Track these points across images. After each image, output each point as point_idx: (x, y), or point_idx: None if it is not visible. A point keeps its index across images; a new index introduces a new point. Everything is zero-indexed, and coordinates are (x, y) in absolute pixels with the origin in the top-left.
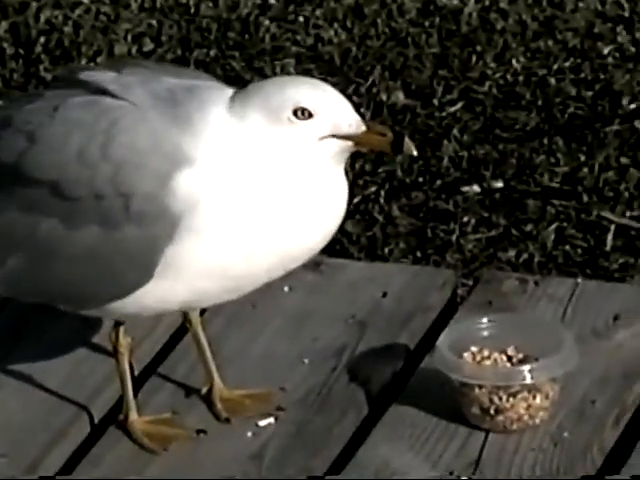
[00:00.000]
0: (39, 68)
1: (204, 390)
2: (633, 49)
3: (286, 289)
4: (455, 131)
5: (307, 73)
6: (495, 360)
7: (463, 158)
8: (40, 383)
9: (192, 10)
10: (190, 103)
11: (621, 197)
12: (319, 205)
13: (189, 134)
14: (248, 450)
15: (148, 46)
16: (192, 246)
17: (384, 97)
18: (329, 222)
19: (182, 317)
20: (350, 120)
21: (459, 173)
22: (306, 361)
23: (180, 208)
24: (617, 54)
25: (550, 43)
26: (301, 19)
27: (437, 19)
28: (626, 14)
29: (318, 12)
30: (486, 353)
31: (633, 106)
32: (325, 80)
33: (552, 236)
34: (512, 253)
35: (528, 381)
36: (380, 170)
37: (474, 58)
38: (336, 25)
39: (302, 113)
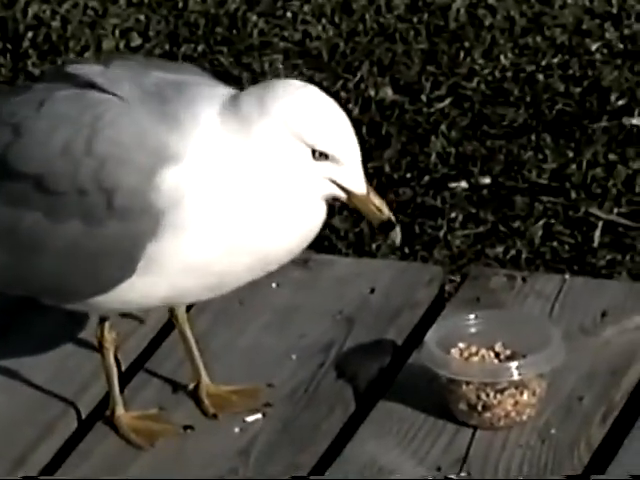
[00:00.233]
0: (27, 63)
1: (191, 386)
2: (621, 46)
3: (274, 285)
4: (443, 127)
5: (295, 68)
6: (483, 356)
7: (451, 154)
8: (27, 378)
9: (180, 5)
10: (179, 100)
11: (609, 194)
12: (300, 209)
13: (177, 131)
14: (235, 446)
15: (136, 41)
16: (175, 242)
17: (372, 93)
18: (309, 226)
19: (169, 313)
20: (357, 178)
21: (447, 169)
22: (294, 357)
23: (164, 204)
24: (605, 50)
25: (538, 39)
26: (289, 14)
27: (425, 15)
28: (614, 10)
29: (306, 7)
30: (474, 349)
31: (621, 103)
32: (313, 76)
33: (540, 232)
34: (500, 249)
35: (515, 378)
36: (368, 166)
37: (462, 54)
38: (324, 21)
39: (319, 155)
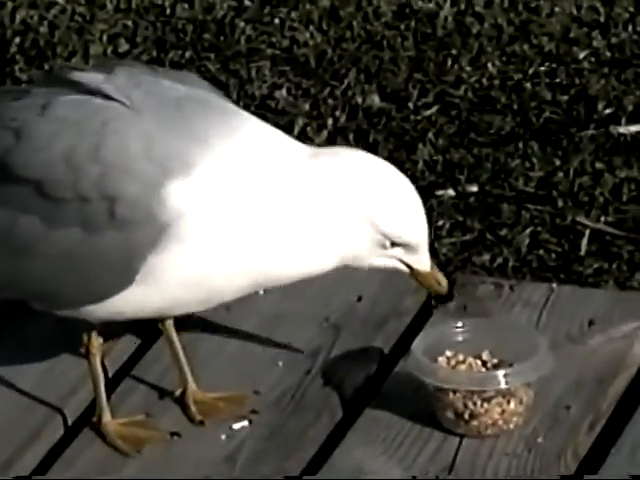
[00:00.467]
0: (14, 68)
1: (178, 392)
2: (609, 54)
3: (261, 292)
4: (430, 135)
5: (282, 75)
6: (470, 365)
7: (438, 162)
8: (14, 384)
9: (168, 11)
10: (206, 116)
11: (596, 202)
12: (307, 248)
13: (196, 145)
14: (222, 453)
15: (123, 47)
16: (174, 256)
17: (359, 100)
18: (315, 268)
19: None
20: (424, 259)
21: (434, 177)
22: (280, 364)
23: (167, 217)
24: (593, 59)
25: (526, 47)
26: (277, 21)
27: (413, 22)
28: (602, 19)
29: (294, 14)
30: (461, 358)
31: (608, 111)
32: (300, 83)
33: (527, 240)
34: (487, 257)
35: (502, 386)
36: None
37: (449, 62)
38: (312, 27)
39: (391, 244)
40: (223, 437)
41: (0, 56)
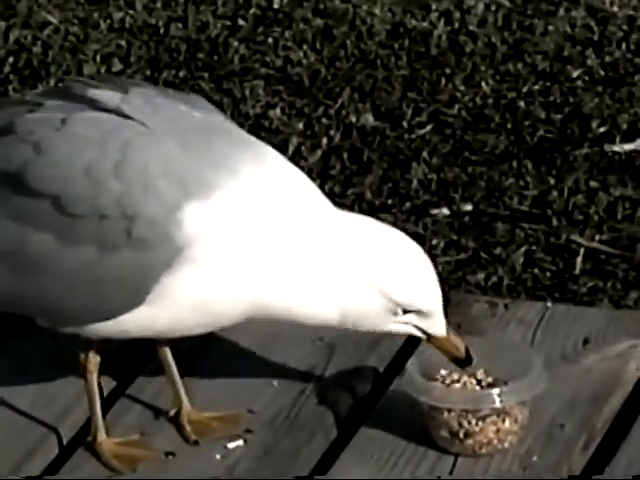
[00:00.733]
0: (8, 88)
1: (172, 412)
2: (602, 72)
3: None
4: (424, 154)
5: (276, 94)
6: (464, 383)
7: (432, 181)
8: (8, 404)
9: (161, 31)
10: (230, 143)
11: (590, 221)
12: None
13: (223, 171)
14: (217, 472)
15: (117, 66)
16: (186, 278)
17: (353, 119)
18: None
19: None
20: (439, 326)
21: (428, 196)
22: (275, 383)
23: (183, 239)
24: (586, 77)
25: (519, 66)
26: (270, 40)
27: (406, 41)
28: (595, 37)
29: (287, 34)
30: (455, 376)
31: (602, 129)
32: (294, 102)
33: (521, 259)
34: (481, 276)
35: (497, 405)
36: (349, 192)
37: (443, 80)
38: (305, 47)
39: (404, 311)
40: (218, 457)
41: None
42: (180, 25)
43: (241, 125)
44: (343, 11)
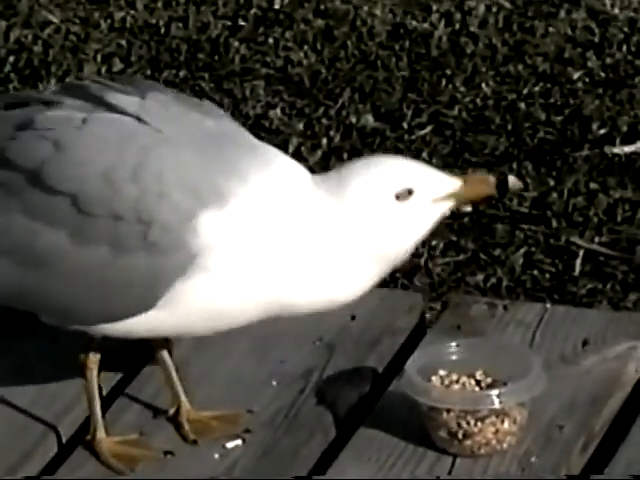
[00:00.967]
0: (8, 87)
1: (171, 411)
2: (603, 74)
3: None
4: (424, 155)
5: (276, 95)
6: (463, 384)
7: None
8: (7, 402)
9: (162, 31)
10: (238, 151)
11: (590, 222)
12: (336, 282)
13: (235, 179)
14: (215, 472)
15: (117, 66)
16: (199, 285)
17: (353, 120)
18: (340, 297)
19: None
20: (443, 181)
21: None
22: (274, 383)
23: (198, 247)
24: (587, 79)
25: (520, 68)
26: (271, 41)
27: (407, 42)
28: (596, 39)
29: (288, 34)
30: (454, 377)
31: (603, 131)
32: (294, 103)
33: (520, 261)
34: (480, 277)
35: (496, 406)
36: None
37: (444, 82)
38: (306, 47)
39: (405, 193)
40: (216, 456)
41: None
42: (181, 25)
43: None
44: (344, 12)
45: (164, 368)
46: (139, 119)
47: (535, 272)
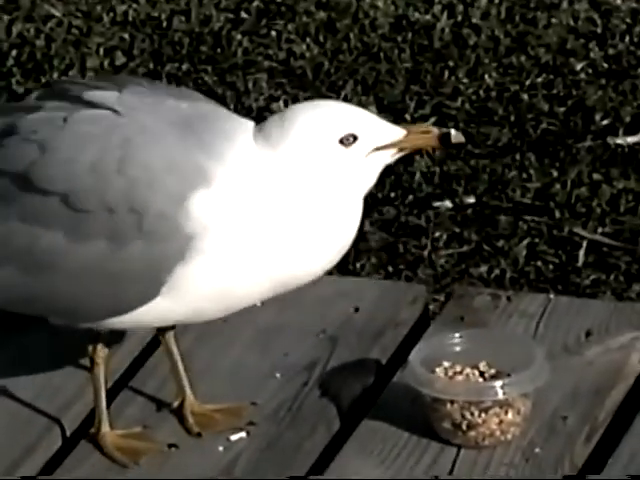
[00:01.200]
0: (11, 81)
1: (175, 404)
2: (605, 65)
3: (258, 303)
4: None
5: (279, 87)
6: (467, 375)
7: (435, 173)
8: (11, 396)
9: (164, 24)
10: (211, 130)
11: (593, 213)
12: (328, 235)
13: (211, 157)
14: (219, 464)
15: (120, 60)
16: (200, 267)
17: None
18: (336, 250)
19: (156, 330)
20: (388, 129)
21: (431, 188)
22: (277, 375)
23: (193, 228)
24: (590, 70)
25: (523, 59)
26: (273, 33)
27: (409, 34)
28: (599, 30)
29: (290, 26)
30: (458, 368)
31: (605, 122)
32: (297, 95)
33: (524, 252)
34: (484, 269)
35: (500, 397)
36: None
37: (446, 73)
38: (308, 39)
39: (348, 139)
40: (220, 449)
41: None
42: (183, 18)
43: None
44: (346, 4)
45: (170, 360)
46: (118, 112)
47: (539, 263)
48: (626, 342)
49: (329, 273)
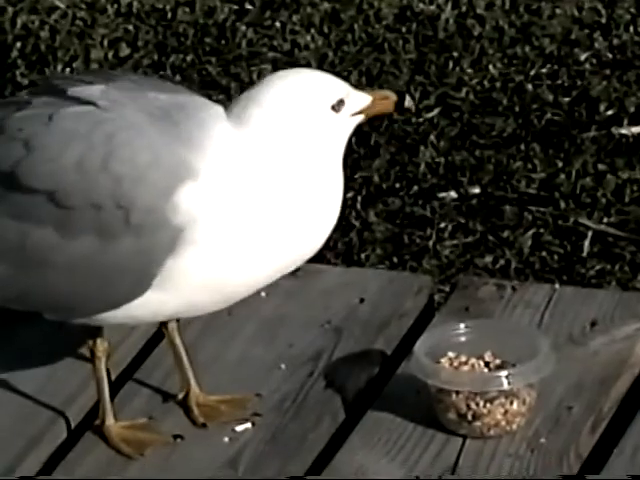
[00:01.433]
0: (15, 73)
1: (180, 395)
2: (610, 55)
3: (262, 295)
4: (432, 137)
5: None
6: (472, 366)
7: (440, 164)
8: (16, 389)
9: (169, 15)
10: (188, 121)
11: (598, 203)
12: (313, 217)
13: (193, 149)
14: (224, 455)
15: (124, 51)
16: (190, 259)
17: None
18: (323, 231)
19: (159, 323)
20: (359, 95)
21: (436, 179)
22: (282, 367)
23: (181, 221)
24: (594, 60)
25: (527, 49)
26: (278, 25)
27: (414, 25)
28: (603, 20)
29: (295, 18)
30: (463, 359)
31: (610, 112)
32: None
33: (529, 242)
34: (489, 259)
35: (505, 387)
36: (357, 176)
37: (451, 64)
38: (313, 31)
39: (339, 103)
40: (226, 440)
41: (1, 61)
42: (187, 10)
43: None
44: None
45: (175, 352)
46: (102, 107)
47: (544, 253)
48: (631, 332)
49: (334, 264)
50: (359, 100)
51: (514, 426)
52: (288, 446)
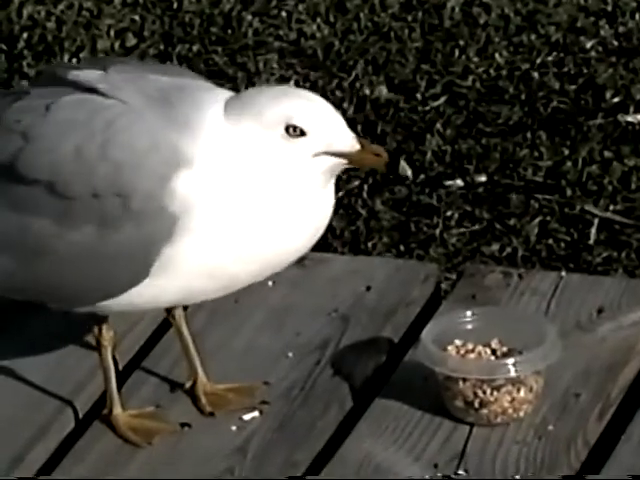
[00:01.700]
0: (22, 64)
1: (188, 384)
2: (616, 43)
3: (269, 283)
4: (438, 125)
5: (290, 68)
6: (479, 353)
7: (446, 152)
8: (23, 378)
9: (175, 5)
10: (184, 104)
11: (604, 191)
12: (307, 209)
13: (187, 135)
14: (232, 444)
15: (131, 41)
16: (188, 246)
17: (367, 91)
18: (316, 225)
19: (165, 312)
20: (344, 138)
21: (442, 167)
22: (290, 355)
23: (178, 208)
24: (600, 48)
25: (533, 37)
26: (284, 14)
27: (420, 14)
28: (609, 8)
29: (301, 7)
30: (470, 346)
31: (616, 100)
32: (308, 75)
33: (535, 230)
34: (495, 247)
35: (512, 374)
36: None
37: (457, 52)
38: (319, 20)
39: (294, 130)
40: (233, 428)
41: (8, 52)
42: None
43: None
44: None
45: (181, 341)
46: (101, 93)
47: (550, 241)
48: (638, 319)
49: (341, 252)
50: (338, 141)
51: (521, 413)
52: (296, 434)
